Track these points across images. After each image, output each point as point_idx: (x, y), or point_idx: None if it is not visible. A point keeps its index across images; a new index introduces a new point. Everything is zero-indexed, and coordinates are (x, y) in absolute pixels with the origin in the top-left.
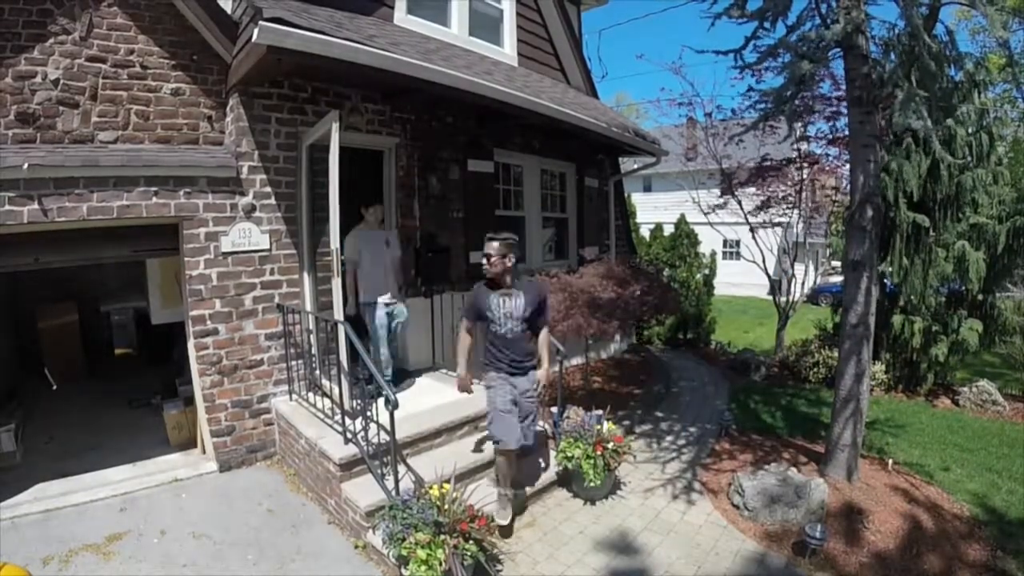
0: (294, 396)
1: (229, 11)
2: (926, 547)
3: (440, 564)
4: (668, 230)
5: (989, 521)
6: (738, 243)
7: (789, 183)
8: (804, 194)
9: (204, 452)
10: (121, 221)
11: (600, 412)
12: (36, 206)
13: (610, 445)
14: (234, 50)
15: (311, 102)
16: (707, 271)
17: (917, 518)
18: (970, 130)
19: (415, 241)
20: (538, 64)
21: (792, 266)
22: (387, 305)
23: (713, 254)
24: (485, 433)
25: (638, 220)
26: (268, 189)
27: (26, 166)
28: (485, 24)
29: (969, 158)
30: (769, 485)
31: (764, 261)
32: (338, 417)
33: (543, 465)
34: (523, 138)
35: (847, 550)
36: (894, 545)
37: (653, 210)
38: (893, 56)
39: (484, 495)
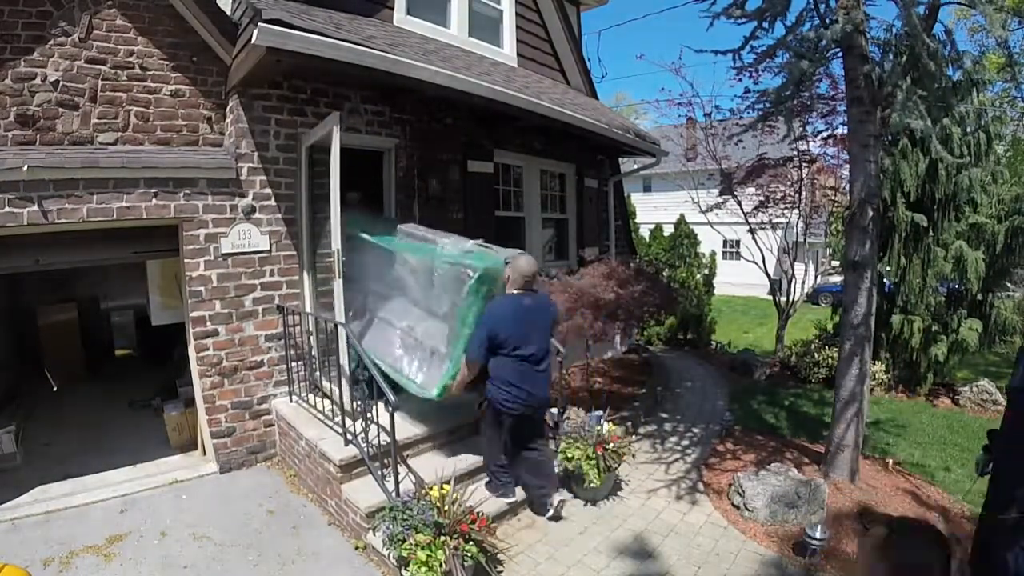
0: (294, 397)
1: (228, 12)
2: None
3: (440, 565)
4: (668, 230)
5: None
6: (738, 243)
7: (788, 182)
8: (803, 194)
9: (204, 453)
10: (121, 222)
11: (600, 413)
12: (36, 208)
13: (610, 446)
14: (234, 51)
15: (310, 103)
16: (707, 271)
17: (918, 518)
18: (968, 129)
19: None
20: (537, 65)
21: (792, 266)
22: None
23: (713, 254)
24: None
25: (638, 220)
26: (268, 190)
27: (25, 168)
28: (484, 25)
29: (968, 157)
30: (770, 486)
31: (764, 261)
32: (338, 418)
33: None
34: (523, 139)
35: (848, 551)
36: None
37: (653, 210)
38: (892, 56)
39: (484, 496)
